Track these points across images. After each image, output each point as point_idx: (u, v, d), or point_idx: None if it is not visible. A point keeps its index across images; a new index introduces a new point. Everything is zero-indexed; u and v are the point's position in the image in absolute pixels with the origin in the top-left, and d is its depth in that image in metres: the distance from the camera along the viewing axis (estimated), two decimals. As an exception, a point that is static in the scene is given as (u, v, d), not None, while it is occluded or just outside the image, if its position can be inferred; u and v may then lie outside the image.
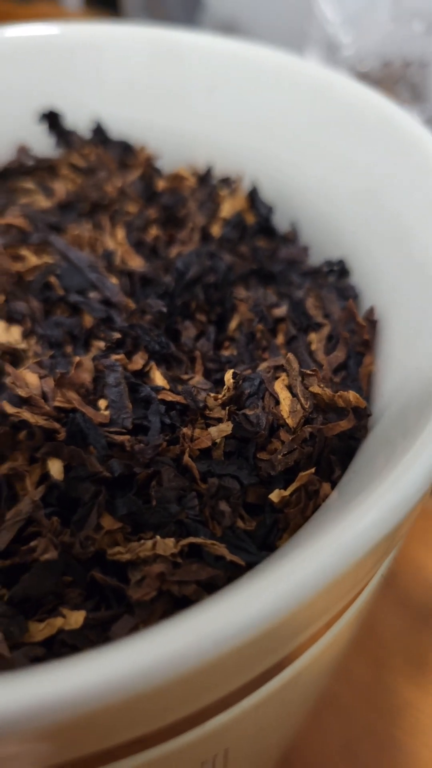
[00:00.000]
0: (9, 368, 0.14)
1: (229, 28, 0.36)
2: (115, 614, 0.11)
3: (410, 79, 0.34)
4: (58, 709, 0.08)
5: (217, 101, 0.19)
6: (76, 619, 0.11)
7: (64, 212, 0.19)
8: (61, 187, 0.19)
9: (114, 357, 0.14)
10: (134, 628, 0.11)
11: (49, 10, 0.59)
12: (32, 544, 0.12)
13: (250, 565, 0.11)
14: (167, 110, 0.20)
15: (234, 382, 0.13)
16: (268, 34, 0.32)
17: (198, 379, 0.15)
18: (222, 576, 0.11)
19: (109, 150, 0.20)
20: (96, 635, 0.11)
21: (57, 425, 0.13)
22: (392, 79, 0.33)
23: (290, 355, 0.14)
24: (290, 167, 0.19)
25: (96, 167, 0.20)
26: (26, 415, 0.13)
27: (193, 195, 0.19)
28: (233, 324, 0.17)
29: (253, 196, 0.19)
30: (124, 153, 0.21)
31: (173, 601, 0.11)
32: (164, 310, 0.15)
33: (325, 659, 0.14)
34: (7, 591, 0.12)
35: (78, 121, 0.21)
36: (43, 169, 0.21)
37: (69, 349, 0.15)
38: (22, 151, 0.21)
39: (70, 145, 0.21)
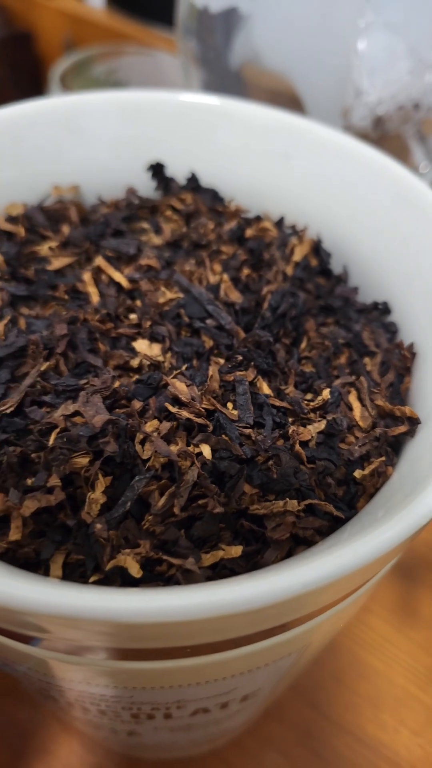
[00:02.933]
0: (169, 380, 0.19)
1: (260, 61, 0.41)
2: (259, 548, 0.17)
3: (414, 118, 0.40)
4: (255, 601, 0.14)
5: (291, 167, 0.25)
6: (236, 550, 0.17)
7: (171, 248, 0.24)
8: (168, 228, 0.25)
9: (238, 373, 0.20)
10: (276, 559, 0.17)
11: (71, 5, 0.62)
12: (201, 502, 0.18)
13: (346, 519, 0.18)
14: (251, 169, 0.26)
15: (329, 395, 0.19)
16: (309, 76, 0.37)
17: (291, 389, 0.21)
18: (327, 525, 0.18)
19: (200, 196, 0.26)
20: (245, 562, 0.17)
21: (207, 421, 0.19)
22: (403, 120, 0.39)
23: (362, 378, 0.20)
24: (346, 225, 0.25)
25: (193, 212, 0.25)
26: (185, 413, 0.19)
27: (274, 242, 0.24)
28: (303, 345, 0.23)
29: (317, 245, 0.25)
30: (213, 200, 0.26)
31: (294, 541, 0.18)
32: (271, 339, 0.21)
33: (360, 601, 0.20)
34: (183, 533, 0.17)
35: (175, 172, 0.26)
36: (146, 208, 0.26)
37: (195, 363, 0.21)
38: (131, 191, 0.26)
39: (168, 190, 0.26)
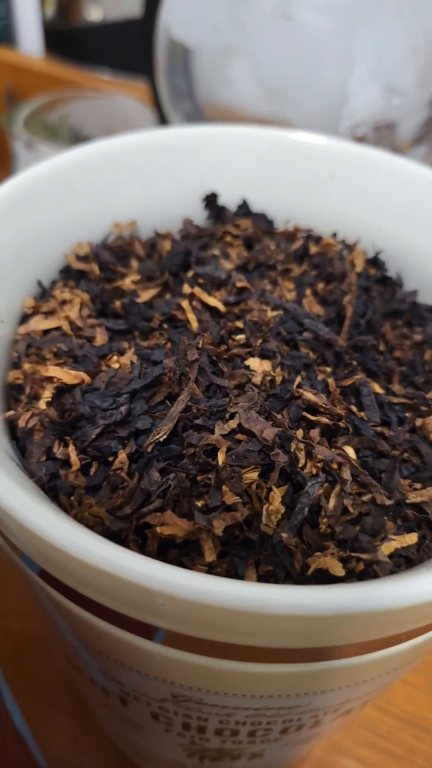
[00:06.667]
0: (300, 391, 0.20)
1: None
2: (424, 534, 0.19)
3: (388, 137, 0.44)
4: None
5: (336, 186, 0.27)
6: (410, 538, 0.18)
7: (241, 272, 0.25)
8: (233, 252, 0.26)
9: (357, 377, 0.21)
10: (448, 539, 0.18)
11: (9, 55, 0.62)
12: (365, 498, 0.18)
13: None
14: (299, 192, 0.27)
15: (448, 387, 0.21)
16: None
17: (398, 387, 0.22)
18: None
19: (254, 221, 0.27)
20: (416, 548, 0.18)
21: (347, 423, 0.20)
22: (379, 139, 0.43)
23: (466, 368, 0.22)
24: (395, 237, 0.27)
25: (252, 236, 0.26)
26: (324, 419, 0.20)
27: (335, 257, 0.26)
28: (382, 347, 0.24)
29: (376, 257, 0.26)
30: (266, 223, 0.27)
31: (454, 522, 0.19)
32: (375, 343, 0.22)
33: None
34: (355, 527, 0.18)
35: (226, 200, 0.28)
36: (206, 236, 0.27)
37: (303, 374, 0.22)
38: (188, 222, 0.27)
39: (222, 218, 0.27)
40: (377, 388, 0.22)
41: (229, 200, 0.28)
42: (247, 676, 0.17)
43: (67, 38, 0.63)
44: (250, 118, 0.42)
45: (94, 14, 0.70)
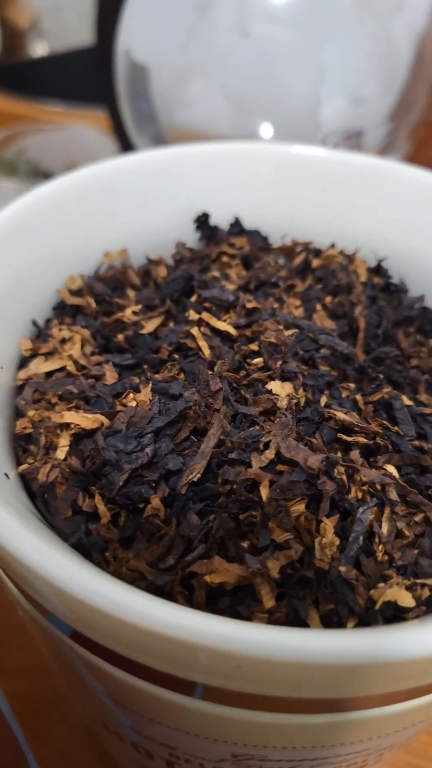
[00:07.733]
0: (331, 411, 0.19)
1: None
2: None
3: (357, 146, 0.43)
4: None
5: (330, 195, 0.26)
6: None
7: (243, 291, 0.24)
8: (233, 273, 0.25)
9: (385, 391, 0.20)
10: None
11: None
12: (417, 518, 0.17)
13: None
14: (293, 203, 0.26)
15: None
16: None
17: (425, 397, 0.21)
18: None
19: (249, 238, 0.26)
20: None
21: (385, 441, 0.19)
22: (351, 148, 0.42)
23: None
24: (393, 243, 0.26)
25: (248, 254, 0.25)
26: (361, 439, 0.19)
27: (337, 268, 0.25)
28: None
29: (379, 265, 0.26)
30: (261, 240, 0.26)
31: None
32: (398, 353, 0.21)
33: None
34: (413, 550, 0.17)
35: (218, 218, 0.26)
36: (201, 258, 0.26)
37: (327, 392, 0.21)
38: (181, 245, 0.26)
39: (215, 238, 0.26)
40: (407, 400, 0.21)
41: (220, 219, 0.27)
42: (320, 727, 0.16)
43: (16, 73, 0.62)
44: (213, 137, 0.42)
45: (39, 49, 0.69)
